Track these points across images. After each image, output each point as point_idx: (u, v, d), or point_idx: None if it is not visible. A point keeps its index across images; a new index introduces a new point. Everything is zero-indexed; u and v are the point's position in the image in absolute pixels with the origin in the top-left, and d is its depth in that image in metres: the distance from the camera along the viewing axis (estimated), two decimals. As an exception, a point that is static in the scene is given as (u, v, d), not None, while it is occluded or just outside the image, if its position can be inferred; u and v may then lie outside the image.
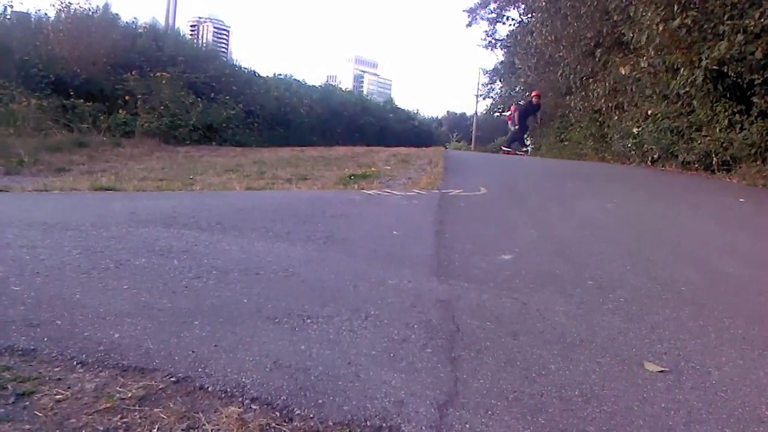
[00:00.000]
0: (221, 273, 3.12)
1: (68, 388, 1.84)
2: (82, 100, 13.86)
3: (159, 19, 21.83)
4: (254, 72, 23.18)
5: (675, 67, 12.04)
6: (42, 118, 12.19)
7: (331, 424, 1.74)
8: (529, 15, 23.87)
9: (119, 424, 1.67)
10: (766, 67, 10.04)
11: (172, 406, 1.78)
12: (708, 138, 11.39)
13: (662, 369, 2.28)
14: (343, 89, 35.14)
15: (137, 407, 1.76)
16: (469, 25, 33.37)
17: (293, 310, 2.63)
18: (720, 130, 11.20)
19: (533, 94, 18.74)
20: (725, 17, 10.34)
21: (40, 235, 3.65)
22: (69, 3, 15.70)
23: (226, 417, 1.73)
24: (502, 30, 32.61)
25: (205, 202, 5.48)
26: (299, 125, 22.22)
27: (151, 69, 16.19)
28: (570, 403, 1.97)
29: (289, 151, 14.43)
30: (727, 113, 11.24)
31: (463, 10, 33.13)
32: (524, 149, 19.31)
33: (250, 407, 1.80)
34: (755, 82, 10.51)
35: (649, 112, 13.77)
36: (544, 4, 18.70)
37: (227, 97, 17.99)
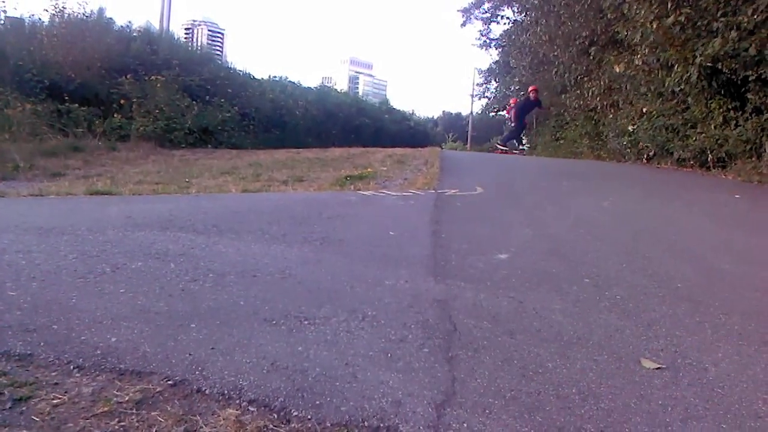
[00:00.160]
0: (218, 276, 3.11)
1: (65, 392, 1.84)
2: (77, 105, 13.83)
3: (153, 22, 21.76)
4: (249, 74, 23.18)
5: (669, 64, 12.05)
6: (37, 123, 12.16)
7: (329, 425, 1.74)
8: (523, 14, 23.88)
9: (117, 427, 1.67)
10: (760, 63, 10.06)
11: (169, 409, 1.78)
12: (703, 135, 11.41)
13: (659, 366, 2.28)
14: (339, 91, 35.15)
15: (134, 411, 1.76)
16: (464, 24, 33.46)
17: (290, 311, 2.63)
18: (715, 127, 11.22)
19: (531, 89, 18.46)
20: (719, 14, 10.36)
21: (36, 239, 3.65)
22: (63, 8, 15.68)
23: (223, 419, 1.73)
24: (497, 29, 32.68)
25: (201, 205, 5.48)
26: (295, 127, 22.22)
27: (146, 73, 16.18)
28: (567, 401, 1.97)
29: (284, 153, 14.42)
30: (721, 110, 11.26)
31: (458, 10, 33.22)
32: (521, 148, 19.07)
33: (248, 409, 1.80)
34: (749, 79, 10.52)
35: (644, 110, 13.79)
36: (537, 2, 18.71)
37: (222, 100, 17.98)
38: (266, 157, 12.96)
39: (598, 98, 16.76)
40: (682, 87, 11.78)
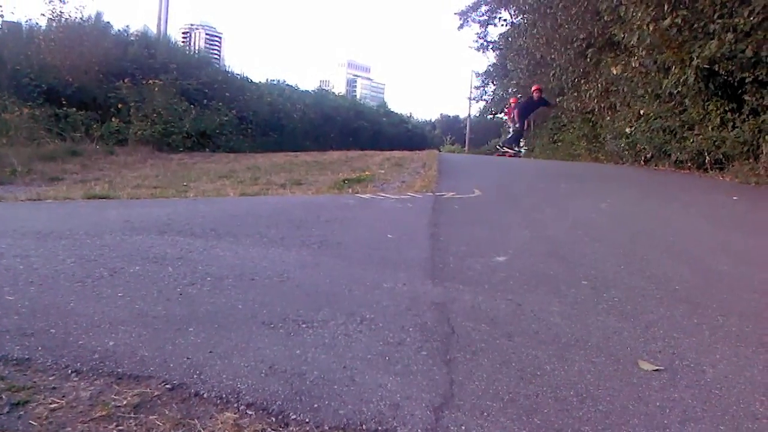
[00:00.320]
0: (216, 279, 3.11)
1: (63, 396, 1.84)
2: (74, 109, 13.86)
3: (151, 26, 21.79)
4: (247, 78, 23.22)
5: (666, 66, 12.07)
6: (34, 128, 12.17)
7: (327, 428, 1.74)
8: (520, 17, 23.91)
9: (115, 431, 1.67)
10: (756, 65, 10.08)
11: (167, 413, 1.78)
12: (700, 137, 11.42)
13: (657, 368, 2.28)
14: (336, 94, 35.17)
15: (132, 415, 1.76)
16: (461, 27, 33.47)
17: (288, 315, 2.63)
18: (712, 129, 11.23)
19: (534, 88, 17.68)
20: (715, 16, 10.38)
21: (33, 244, 3.65)
22: (60, 12, 15.69)
23: (221, 423, 1.73)
24: (494, 32, 32.72)
25: (199, 209, 5.47)
26: (292, 130, 22.25)
27: (144, 77, 16.20)
28: (565, 403, 1.98)
29: (282, 156, 14.43)
30: (719, 112, 11.27)
31: (455, 13, 33.24)
32: (517, 150, 18.44)
33: (246, 413, 1.80)
34: (746, 80, 10.54)
35: (642, 112, 13.80)
36: (534, 5, 18.72)
37: (220, 104, 18.00)
38: (264, 160, 12.97)
39: (595, 100, 16.76)
40: (679, 89, 11.79)
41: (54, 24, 15.68)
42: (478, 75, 40.21)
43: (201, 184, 8.08)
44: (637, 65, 13.11)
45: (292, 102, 23.93)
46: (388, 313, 2.74)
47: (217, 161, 13.07)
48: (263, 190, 7.34)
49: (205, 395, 1.89)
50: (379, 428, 1.75)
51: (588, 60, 16.86)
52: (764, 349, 2.54)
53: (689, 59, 10.98)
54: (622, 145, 14.58)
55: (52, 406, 1.78)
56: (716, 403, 2.03)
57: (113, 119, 14.61)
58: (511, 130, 18.51)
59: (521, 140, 18.65)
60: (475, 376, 2.13)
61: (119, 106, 14.99)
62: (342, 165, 11.07)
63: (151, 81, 15.87)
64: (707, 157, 11.22)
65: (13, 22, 15.85)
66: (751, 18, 9.52)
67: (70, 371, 2.00)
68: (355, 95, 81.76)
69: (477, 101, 45.15)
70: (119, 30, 18.84)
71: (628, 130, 14.31)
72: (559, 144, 21.22)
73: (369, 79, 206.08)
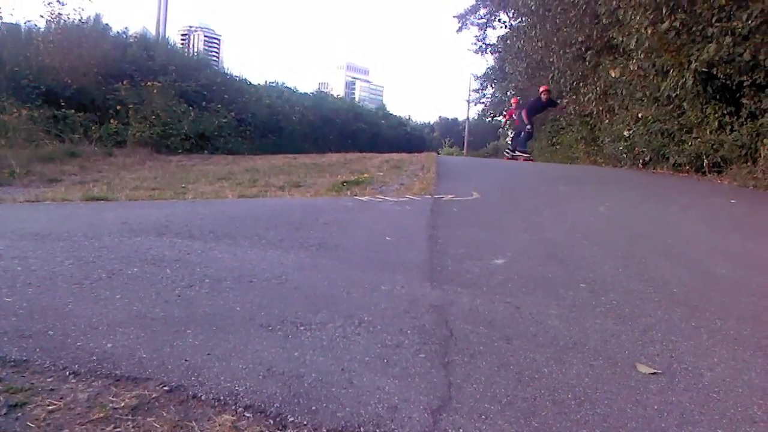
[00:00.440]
0: (214, 281, 3.11)
1: (61, 398, 1.83)
2: (73, 111, 13.88)
3: (150, 28, 21.85)
4: (246, 80, 23.29)
5: (664, 69, 12.10)
6: (33, 129, 12.18)
7: (325, 430, 1.74)
8: (519, 20, 23.95)
9: (112, 434, 1.67)
10: (754, 68, 10.11)
11: (165, 415, 1.78)
12: (698, 140, 11.45)
13: (655, 371, 2.28)
14: (335, 96, 35.29)
15: (130, 417, 1.75)
16: (460, 30, 33.58)
17: (286, 317, 2.63)
18: (710, 132, 11.26)
19: (542, 89, 16.76)
20: (713, 20, 10.41)
21: (32, 245, 3.64)
22: (59, 14, 15.70)
23: (219, 425, 1.73)
24: (493, 35, 32.80)
25: (198, 211, 5.47)
26: (291, 133, 22.29)
27: (143, 78, 16.23)
28: (563, 406, 1.98)
29: (281, 158, 14.45)
30: (717, 115, 11.30)
31: (454, 16, 33.35)
32: (514, 153, 17.87)
33: (244, 415, 1.80)
34: (744, 84, 10.57)
35: (640, 115, 13.83)
36: (533, 8, 18.73)
37: (219, 106, 18.03)
38: (263, 162, 12.98)
39: (593, 103, 16.79)
40: (678, 92, 11.82)
41: (53, 26, 15.71)
42: (476, 78, 40.31)
43: (199, 186, 8.08)
44: (635, 68, 13.16)
45: (291, 104, 23.99)
46: (386, 315, 2.74)
47: (216, 163, 13.08)
48: (262, 192, 7.34)
49: (203, 397, 1.89)
50: (377, 431, 1.75)
51: (586, 63, 16.91)
52: (762, 352, 2.54)
53: (687, 63, 11.02)
54: (621, 148, 14.61)
55: (50, 407, 1.77)
56: (714, 406, 2.03)
57: (112, 121, 14.63)
58: (521, 132, 17.42)
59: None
60: (473, 379, 2.13)
61: (118, 107, 15.02)
62: (341, 167, 11.07)
63: (149, 83, 15.89)
64: (705, 161, 11.24)
65: (12, 23, 15.88)
66: (749, 22, 9.54)
67: (68, 373, 2.00)
68: (354, 97, 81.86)
69: (475, 104, 45.31)
70: (118, 32, 18.91)
71: (626, 133, 14.33)
72: (558, 147, 21.27)
73: (368, 81, 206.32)
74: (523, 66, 23.44)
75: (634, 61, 13.04)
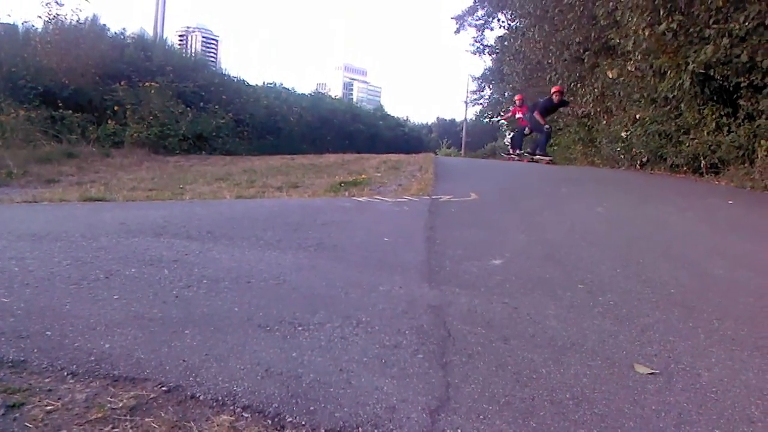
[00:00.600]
0: (212, 282, 3.11)
1: (59, 398, 1.83)
2: (70, 111, 13.84)
3: (147, 29, 21.83)
4: (243, 81, 23.28)
5: (662, 71, 12.11)
6: (30, 130, 12.15)
7: (323, 431, 1.74)
8: (517, 21, 23.97)
9: (110, 434, 1.67)
10: (751, 70, 10.12)
11: (163, 415, 1.78)
12: (696, 141, 11.46)
13: (652, 371, 2.29)
14: (333, 97, 35.26)
15: (128, 417, 1.75)
16: (458, 31, 33.59)
17: (284, 317, 2.63)
18: (708, 133, 11.27)
19: (554, 90, 15.91)
20: (710, 21, 10.43)
21: (29, 246, 3.64)
22: (57, 14, 15.68)
23: (217, 425, 1.73)
24: (490, 36, 32.85)
25: (196, 212, 5.47)
26: (289, 133, 22.29)
27: (140, 79, 16.20)
28: (561, 406, 1.98)
29: (279, 159, 14.44)
30: (714, 116, 11.32)
31: (452, 17, 33.36)
32: (518, 153, 17.59)
33: (242, 415, 1.80)
34: (741, 85, 10.59)
35: (638, 116, 13.84)
36: (531, 9, 18.75)
37: (217, 106, 18.02)
38: (261, 163, 12.97)
39: (591, 104, 16.80)
40: (675, 93, 11.84)
41: (50, 26, 15.67)
42: (474, 79, 40.44)
43: (197, 187, 8.07)
44: (633, 69, 13.18)
45: (289, 105, 23.99)
46: (384, 316, 2.74)
47: (214, 164, 13.06)
48: (260, 192, 7.34)
49: (201, 398, 1.89)
50: (375, 431, 1.75)
51: (584, 64, 16.91)
52: (759, 352, 2.55)
53: (685, 64, 11.03)
54: (618, 149, 14.62)
55: (48, 408, 1.77)
56: (712, 406, 2.04)
57: (109, 121, 14.60)
58: (523, 131, 17.38)
59: (522, 143, 18.09)
60: (471, 379, 2.13)
61: (115, 108, 14.98)
62: (338, 168, 11.07)
63: (147, 83, 15.86)
64: (703, 162, 11.26)
65: (10, 24, 15.85)
66: (746, 23, 9.56)
67: (65, 373, 1.99)
68: (352, 98, 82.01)
69: (473, 105, 45.32)
70: (116, 33, 18.86)
71: (624, 134, 14.35)
72: (555, 148, 21.25)
73: (366, 82, 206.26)
74: (521, 67, 23.46)
75: (632, 62, 13.06)
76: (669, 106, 12.70)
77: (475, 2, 32.15)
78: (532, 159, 15.92)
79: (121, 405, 1.81)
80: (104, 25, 18.47)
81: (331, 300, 2.94)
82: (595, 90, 16.32)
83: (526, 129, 16.92)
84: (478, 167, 14.17)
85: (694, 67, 10.70)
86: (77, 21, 16.41)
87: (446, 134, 58.90)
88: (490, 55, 33.81)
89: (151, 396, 1.88)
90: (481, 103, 40.68)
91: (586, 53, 16.61)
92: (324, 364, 2.18)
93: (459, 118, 67.48)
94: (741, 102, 10.81)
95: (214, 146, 16.80)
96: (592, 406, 1.99)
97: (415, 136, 44.61)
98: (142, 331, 2.37)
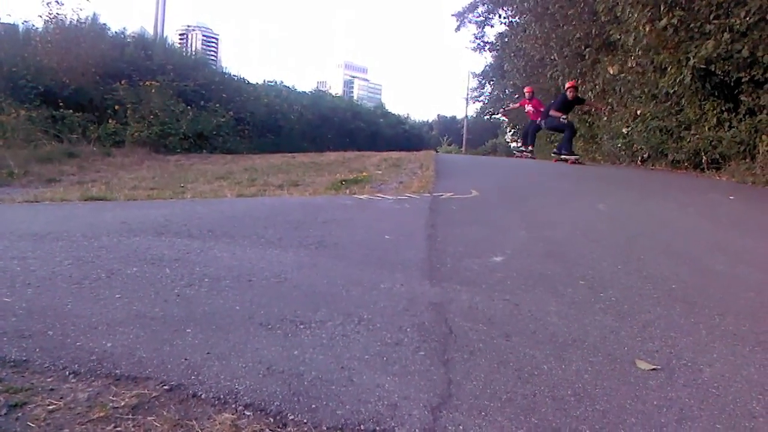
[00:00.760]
0: (213, 280, 3.11)
1: (61, 398, 1.84)
2: (71, 111, 13.87)
3: (147, 28, 21.84)
4: (244, 79, 23.31)
5: (663, 66, 12.13)
6: (31, 130, 12.17)
7: (325, 428, 1.74)
8: (517, 17, 23.94)
9: (112, 433, 1.68)
10: (752, 65, 10.13)
11: (165, 414, 1.78)
12: (697, 136, 11.48)
13: (654, 367, 2.29)
14: (333, 95, 35.24)
15: (130, 416, 1.76)
16: (458, 29, 33.52)
17: (286, 315, 2.63)
18: (709, 129, 11.29)
19: (568, 85, 14.32)
20: (711, 16, 10.44)
21: (30, 246, 3.64)
22: (57, 14, 15.69)
23: (219, 424, 1.73)
24: (491, 33, 32.79)
25: (197, 210, 5.47)
26: (290, 131, 22.29)
27: (141, 78, 16.22)
28: (563, 402, 1.98)
29: (280, 157, 14.43)
30: (715, 111, 11.33)
31: (452, 15, 33.31)
32: (530, 150, 16.55)
33: (244, 413, 1.80)
34: (742, 80, 10.60)
35: (639, 112, 13.84)
36: (532, 5, 18.73)
37: (217, 105, 18.03)
38: (261, 161, 12.98)
39: (592, 100, 16.78)
40: (676, 89, 11.84)
41: (51, 26, 15.70)
42: (475, 76, 40.36)
43: (198, 186, 8.08)
44: (633, 65, 13.17)
45: (290, 103, 23.99)
46: (385, 313, 2.74)
47: (214, 162, 13.07)
48: (260, 191, 7.33)
49: (203, 396, 1.89)
50: (377, 428, 1.75)
51: (585, 60, 16.90)
52: (761, 347, 2.55)
53: (686, 59, 11.04)
54: (619, 145, 14.62)
55: (50, 407, 1.77)
56: (713, 401, 2.04)
57: (110, 121, 14.63)
58: (534, 125, 16.01)
59: (518, 140, 17.73)
60: (472, 376, 2.13)
61: (116, 107, 15.01)
62: (339, 166, 11.06)
63: (147, 82, 15.88)
64: (704, 157, 11.27)
65: (10, 24, 15.89)
66: (747, 18, 9.57)
67: (67, 373, 2.00)
68: (353, 96, 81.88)
69: (474, 102, 45.27)
70: (116, 32, 18.89)
71: (625, 130, 14.35)
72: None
73: (366, 80, 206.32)
74: (521, 64, 23.45)
75: (633, 58, 13.07)
76: (670, 102, 12.70)
77: (475, -1, 32.12)
78: (561, 159, 14.28)
79: (123, 404, 1.81)
80: (104, 24, 18.53)
81: (333, 298, 2.94)
82: (596, 86, 16.32)
83: (542, 123, 15.24)
84: (478, 164, 14.17)
85: (694, 62, 10.70)
86: (77, 20, 16.46)
87: (447, 131, 58.84)
88: (490, 51, 33.79)
89: (153, 395, 1.88)
90: (481, 100, 40.60)
91: (587, 49, 16.60)
92: (325, 361, 2.18)
93: (460, 116, 67.52)
94: (742, 97, 10.81)
95: (215, 145, 16.81)
96: (594, 402, 1.99)
97: (416, 134, 44.55)
98: (144, 330, 2.37)
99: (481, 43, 33.80)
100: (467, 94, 47.73)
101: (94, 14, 18.24)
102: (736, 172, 10.11)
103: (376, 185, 7.81)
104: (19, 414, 1.73)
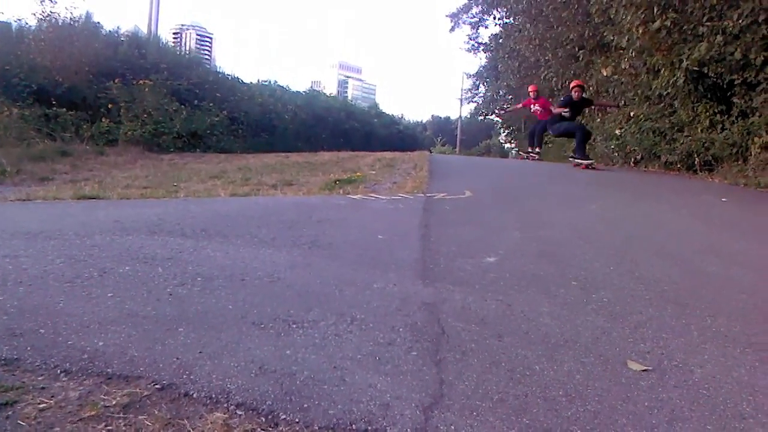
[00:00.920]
0: (206, 280, 3.11)
1: (52, 396, 1.83)
2: (64, 109, 13.84)
3: (141, 27, 21.79)
4: (238, 78, 23.29)
5: (656, 68, 12.17)
6: (24, 128, 12.14)
7: (317, 428, 1.74)
8: (511, 18, 24.00)
9: (104, 431, 1.67)
10: (745, 67, 10.18)
11: (156, 413, 1.77)
12: (690, 138, 11.51)
13: (645, 368, 2.29)
14: (328, 95, 35.25)
15: (122, 415, 1.75)
16: (452, 29, 33.61)
17: (278, 315, 2.63)
18: (701, 131, 11.32)
19: (573, 84, 12.99)
20: (704, 19, 10.48)
21: (23, 244, 3.63)
22: (50, 12, 15.63)
23: (211, 423, 1.73)
24: (485, 34, 32.91)
25: (190, 209, 5.46)
26: (284, 131, 22.28)
27: (134, 77, 16.20)
28: (554, 403, 1.98)
29: (273, 157, 14.43)
30: (708, 113, 11.37)
31: (446, 15, 33.40)
32: (536, 152, 15.79)
33: (236, 413, 1.80)
34: (735, 83, 10.65)
35: (632, 114, 13.89)
36: (526, 7, 18.78)
37: (211, 104, 18.01)
38: (255, 161, 12.97)
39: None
40: (669, 91, 11.89)
41: (44, 24, 15.65)
42: (469, 76, 40.45)
43: (191, 185, 8.06)
44: (627, 67, 13.20)
45: (284, 103, 23.98)
46: (378, 313, 2.74)
47: (208, 162, 13.06)
48: (254, 190, 7.33)
49: (194, 395, 1.89)
50: (369, 428, 1.75)
51: (579, 62, 16.95)
52: (752, 349, 2.56)
53: (679, 61, 11.09)
54: (612, 146, 14.65)
55: (41, 406, 1.77)
56: (704, 402, 2.05)
57: (103, 119, 14.60)
58: (538, 126, 15.29)
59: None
60: (464, 376, 2.14)
61: (109, 106, 14.99)
62: (333, 166, 11.06)
63: (141, 81, 15.86)
64: (696, 159, 11.30)
65: (3, 22, 15.82)
66: (740, 21, 9.62)
67: (59, 371, 1.99)
68: (347, 96, 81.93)
69: (468, 102, 45.29)
70: (110, 30, 18.85)
71: (618, 131, 14.38)
72: (550, 146, 21.26)
73: (360, 80, 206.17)
74: (515, 65, 23.51)
75: (626, 59, 13.09)
76: (663, 104, 12.74)
77: (469, 0, 32.18)
78: (578, 164, 12.83)
79: (114, 403, 1.81)
80: (98, 22, 18.50)
81: (326, 297, 2.94)
82: (590, 88, 16.34)
83: (550, 130, 14.02)
84: (472, 165, 14.18)
85: (688, 64, 10.75)
86: (71, 19, 16.40)
87: (441, 132, 59.01)
88: (485, 52, 33.93)
89: (145, 394, 1.88)
90: (475, 101, 40.64)
91: (581, 51, 16.66)
92: (318, 361, 2.18)
93: (454, 116, 67.67)
94: (735, 99, 10.87)
95: (209, 144, 16.80)
96: (585, 402, 2.00)
97: (410, 134, 44.63)
98: (136, 329, 2.37)
99: (476, 44, 33.96)
100: (461, 95, 47.84)
101: (88, 13, 18.18)
102: (728, 174, 10.15)
103: (369, 185, 7.82)
104: (10, 412, 1.73)
